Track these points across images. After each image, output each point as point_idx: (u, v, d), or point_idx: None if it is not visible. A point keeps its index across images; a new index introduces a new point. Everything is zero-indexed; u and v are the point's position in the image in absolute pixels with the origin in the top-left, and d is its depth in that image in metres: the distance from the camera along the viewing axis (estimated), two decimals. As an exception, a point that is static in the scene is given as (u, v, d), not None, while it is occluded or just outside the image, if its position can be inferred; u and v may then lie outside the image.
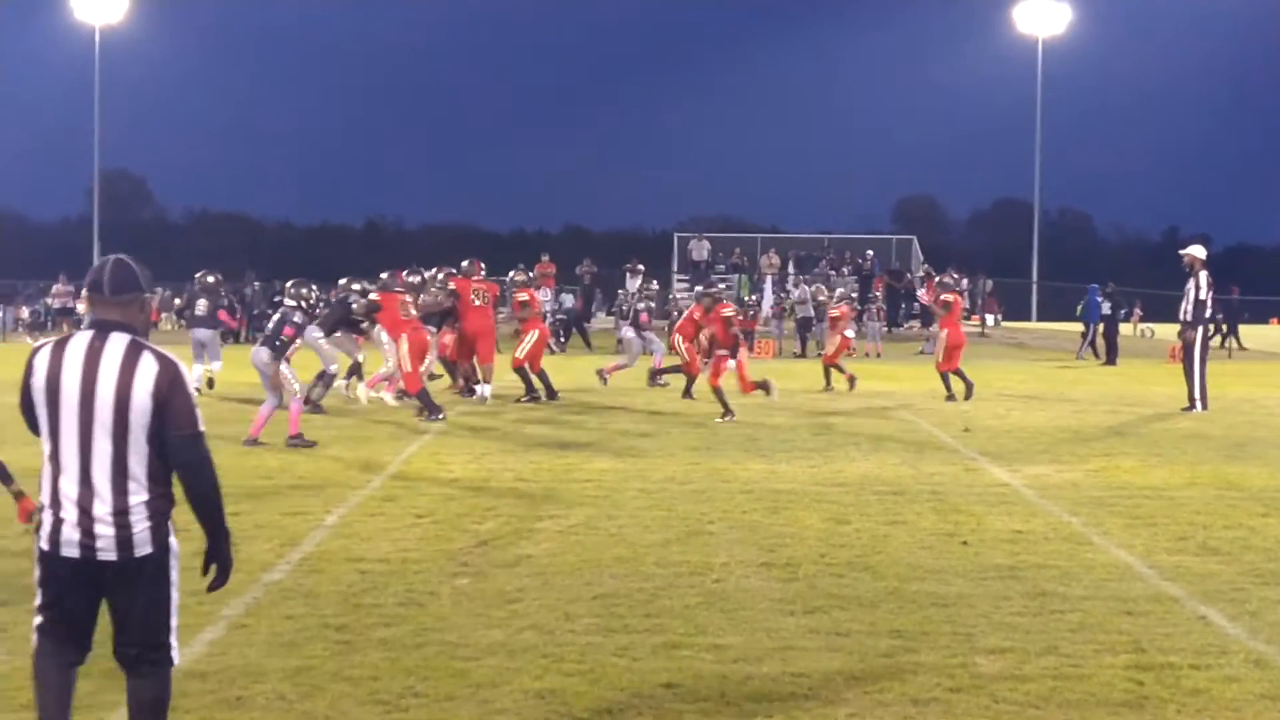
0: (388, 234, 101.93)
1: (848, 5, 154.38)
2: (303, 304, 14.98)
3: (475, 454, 13.58)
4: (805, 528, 9.84)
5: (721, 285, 41.41)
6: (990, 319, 50.20)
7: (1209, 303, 20.04)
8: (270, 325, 14.98)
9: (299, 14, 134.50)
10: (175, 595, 4.76)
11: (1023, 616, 7.36)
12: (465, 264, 20.08)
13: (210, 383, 19.87)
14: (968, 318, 49.19)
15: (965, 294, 47.24)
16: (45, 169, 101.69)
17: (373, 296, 18.32)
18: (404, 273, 19.38)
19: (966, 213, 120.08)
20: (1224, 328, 40.68)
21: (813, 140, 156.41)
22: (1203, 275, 19.79)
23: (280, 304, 16.21)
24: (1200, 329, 19.84)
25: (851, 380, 21.87)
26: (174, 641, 4.77)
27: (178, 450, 4.61)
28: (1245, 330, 43.09)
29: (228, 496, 4.84)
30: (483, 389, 19.24)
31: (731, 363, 17.42)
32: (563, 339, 36.02)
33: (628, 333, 23.59)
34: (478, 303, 19.43)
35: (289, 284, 15.43)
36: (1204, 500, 11.30)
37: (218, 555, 4.76)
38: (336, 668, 6.29)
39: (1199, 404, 19.45)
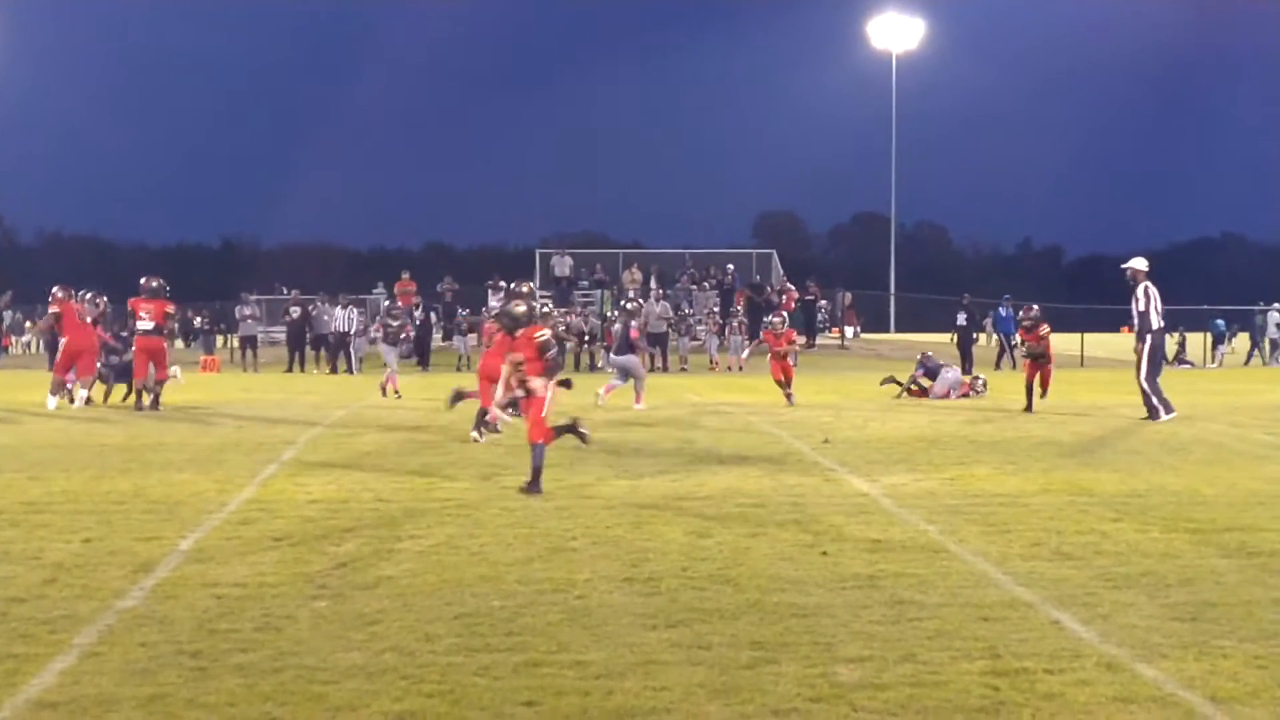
0: (245, 254, 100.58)
1: (707, 24, 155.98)
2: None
3: (334, 475, 13.40)
4: (667, 542, 9.86)
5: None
6: (850, 331, 50.95)
7: (1152, 315, 20.09)
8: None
9: (150, 32, 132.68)
10: None
11: (881, 625, 7.44)
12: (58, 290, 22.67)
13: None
14: (826, 330, 49.99)
15: (823, 306, 47.90)
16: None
17: None
18: None
19: (826, 227, 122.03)
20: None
21: (674, 157, 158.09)
22: (1140, 288, 20.03)
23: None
24: (1148, 340, 20.01)
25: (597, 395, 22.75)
26: None
27: None
28: (1094, 339, 44.15)
29: (80, 519, 4.69)
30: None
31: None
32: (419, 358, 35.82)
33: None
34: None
35: (385, 304, 18.03)
36: (1056, 506, 11.53)
37: None
38: (191, 695, 6.15)
39: (1161, 411, 19.64)
